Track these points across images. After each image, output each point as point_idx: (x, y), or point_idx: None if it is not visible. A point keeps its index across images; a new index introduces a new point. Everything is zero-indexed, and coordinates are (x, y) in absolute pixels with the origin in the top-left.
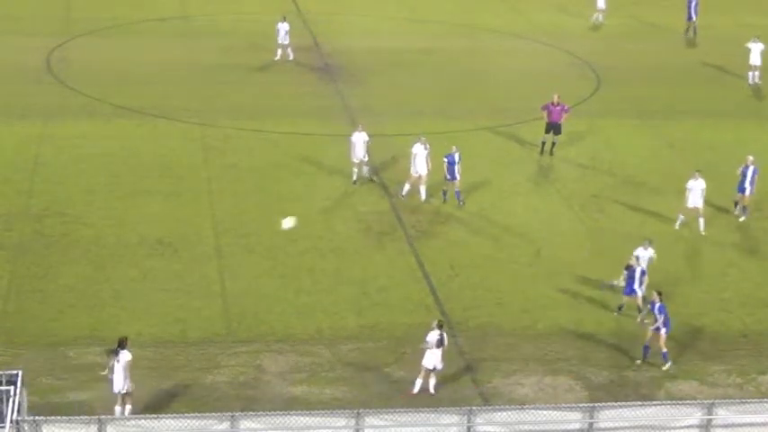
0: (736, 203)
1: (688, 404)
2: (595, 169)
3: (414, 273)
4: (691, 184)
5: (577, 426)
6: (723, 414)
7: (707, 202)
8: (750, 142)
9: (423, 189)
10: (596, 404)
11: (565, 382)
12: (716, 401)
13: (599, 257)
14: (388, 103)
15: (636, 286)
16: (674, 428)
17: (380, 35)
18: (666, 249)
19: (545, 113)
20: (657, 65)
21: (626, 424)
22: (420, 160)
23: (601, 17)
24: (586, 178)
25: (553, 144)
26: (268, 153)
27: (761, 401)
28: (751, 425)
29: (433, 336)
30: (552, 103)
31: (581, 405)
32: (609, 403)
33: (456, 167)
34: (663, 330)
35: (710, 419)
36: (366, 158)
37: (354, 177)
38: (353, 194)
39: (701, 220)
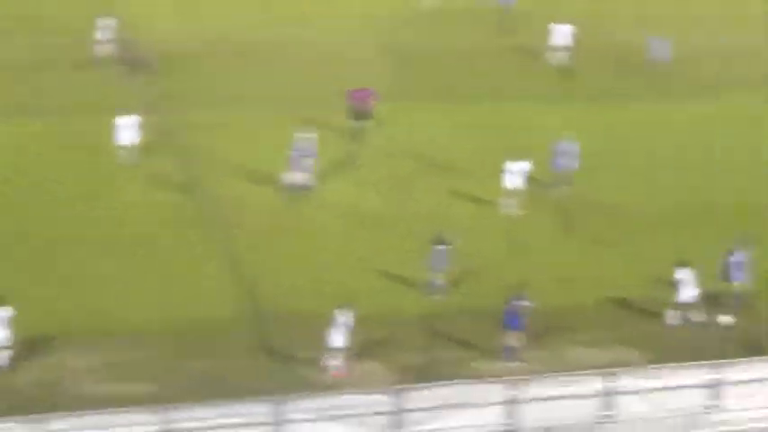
0: (551, 181)
1: (493, 382)
2: (401, 154)
3: (222, 264)
4: (511, 166)
5: (386, 408)
6: (528, 389)
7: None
8: (557, 122)
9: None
10: (403, 386)
11: (373, 367)
12: (520, 378)
13: (407, 241)
14: (206, 94)
15: None
16: (483, 406)
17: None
18: (479, 230)
19: (351, 100)
20: (462, 48)
21: (433, 404)
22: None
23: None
24: (393, 163)
25: (361, 130)
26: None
27: (568, 375)
28: (560, 397)
29: (343, 316)
30: (358, 89)
31: (389, 388)
32: (416, 385)
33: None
34: None
35: (515, 395)
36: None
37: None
38: (136, 180)
39: (517, 201)
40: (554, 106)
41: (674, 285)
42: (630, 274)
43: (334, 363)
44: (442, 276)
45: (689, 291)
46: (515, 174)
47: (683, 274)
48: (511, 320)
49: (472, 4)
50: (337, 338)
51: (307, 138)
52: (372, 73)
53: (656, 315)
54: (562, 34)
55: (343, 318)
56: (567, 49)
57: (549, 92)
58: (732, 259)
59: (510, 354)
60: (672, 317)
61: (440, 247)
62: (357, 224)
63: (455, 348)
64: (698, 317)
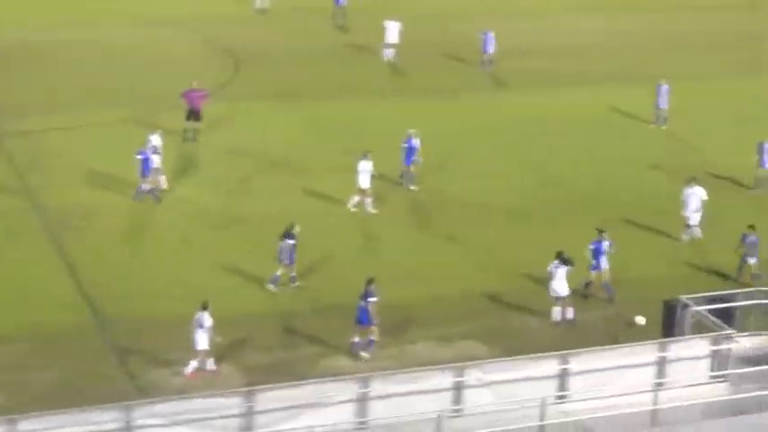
0: (401, 175)
1: (343, 379)
2: (239, 153)
3: (60, 269)
4: (361, 165)
5: (237, 411)
6: (379, 386)
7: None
8: (393, 118)
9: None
10: (254, 387)
11: (223, 368)
12: (371, 374)
13: (247, 241)
14: (27, 98)
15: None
16: (333, 404)
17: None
18: (328, 227)
19: (184, 100)
20: (298, 47)
21: (284, 404)
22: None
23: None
24: (231, 163)
25: (195, 131)
26: None
27: (413, 371)
28: (407, 394)
29: (203, 318)
30: (191, 90)
31: (239, 390)
32: (266, 385)
33: (153, 160)
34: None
35: (366, 392)
36: None
37: None
38: None
39: (369, 200)
40: (390, 102)
41: (551, 277)
42: (479, 267)
43: (194, 364)
44: (291, 270)
45: (562, 284)
46: (363, 171)
47: (554, 267)
48: (362, 316)
49: (306, 3)
50: (200, 340)
51: (152, 140)
52: (209, 73)
53: (506, 309)
54: (395, 31)
55: (204, 319)
56: (398, 45)
57: (385, 88)
58: (593, 247)
59: (361, 349)
60: (557, 313)
61: (288, 241)
62: (203, 225)
63: (306, 346)
64: (571, 313)
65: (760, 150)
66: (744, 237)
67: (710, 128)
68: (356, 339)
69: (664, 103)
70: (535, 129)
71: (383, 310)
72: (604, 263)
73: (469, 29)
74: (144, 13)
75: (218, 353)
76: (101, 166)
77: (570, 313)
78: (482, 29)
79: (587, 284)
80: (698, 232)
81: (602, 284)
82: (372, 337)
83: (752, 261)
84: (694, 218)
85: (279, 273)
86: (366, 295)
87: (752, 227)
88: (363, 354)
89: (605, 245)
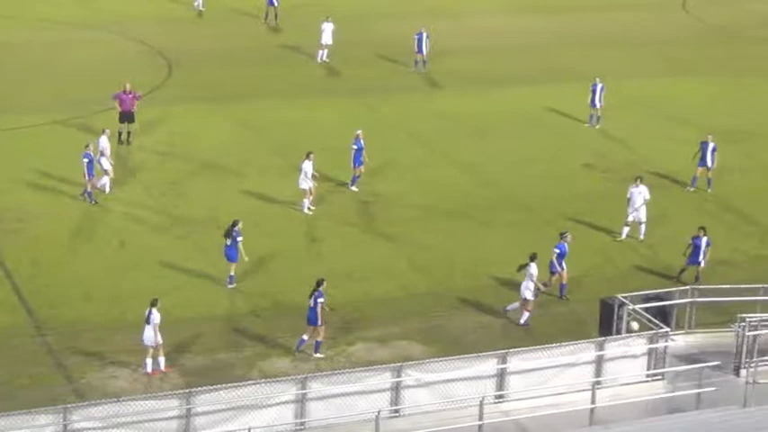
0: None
1: (282, 381)
2: (173, 156)
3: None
4: (305, 165)
5: (175, 413)
6: (316, 387)
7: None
8: (325, 118)
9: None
10: (192, 389)
11: (159, 371)
12: (309, 375)
13: (182, 242)
14: None
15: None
16: (270, 406)
17: None
18: (257, 228)
19: (117, 102)
20: (231, 48)
21: (223, 406)
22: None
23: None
24: (165, 165)
25: (129, 133)
26: None
27: (351, 371)
28: (343, 395)
29: (153, 315)
30: (124, 92)
31: (177, 392)
32: (204, 387)
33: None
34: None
35: (305, 393)
36: None
37: None
38: None
39: (308, 201)
40: (325, 103)
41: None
42: (418, 268)
43: (150, 362)
44: (233, 268)
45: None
46: (306, 172)
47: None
48: (311, 317)
49: (240, 4)
50: (148, 337)
51: (101, 141)
52: (143, 76)
53: (445, 309)
54: (329, 32)
55: (153, 316)
56: (331, 46)
57: (319, 89)
58: (558, 250)
59: (311, 349)
60: (513, 308)
61: (232, 240)
62: (140, 227)
63: (246, 348)
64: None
65: (702, 149)
66: (694, 239)
67: (642, 127)
68: (304, 337)
69: (598, 101)
70: (470, 129)
71: (329, 311)
72: (563, 264)
73: (403, 29)
74: (76, 15)
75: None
76: (35, 169)
77: (525, 317)
78: (416, 29)
79: (545, 285)
80: (642, 230)
81: (561, 285)
82: (319, 339)
83: (701, 263)
84: (639, 216)
85: (233, 272)
86: (315, 296)
87: (703, 228)
88: (316, 354)
89: (567, 246)
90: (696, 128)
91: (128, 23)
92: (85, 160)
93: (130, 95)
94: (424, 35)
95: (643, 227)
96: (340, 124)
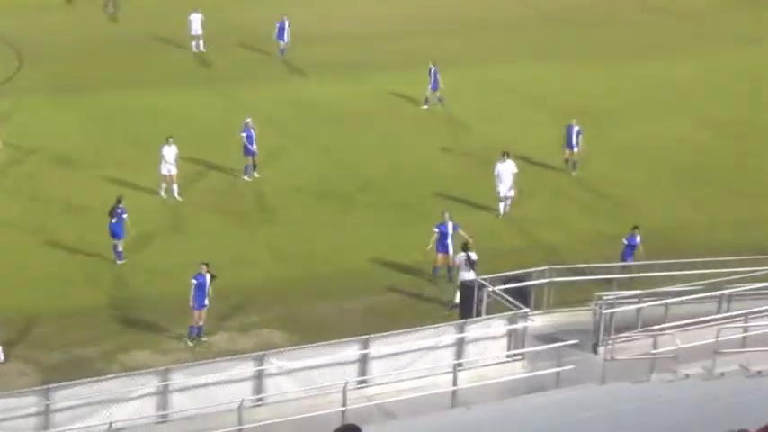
0: (251, 165)
1: (143, 373)
2: (26, 149)
3: None
4: (165, 150)
5: (33, 410)
6: (178, 378)
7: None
8: (179, 107)
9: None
10: (51, 385)
11: (15, 368)
12: (170, 367)
13: (38, 236)
14: None
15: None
16: (133, 399)
17: None
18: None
19: None
20: (80, 38)
21: (83, 401)
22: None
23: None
24: (18, 158)
25: None
26: None
27: (213, 362)
28: (206, 385)
29: None
30: None
31: (35, 388)
32: (64, 383)
33: None
34: None
35: (167, 385)
36: None
37: None
38: None
39: (175, 186)
40: (181, 91)
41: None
42: (278, 256)
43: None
44: (121, 244)
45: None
46: (167, 157)
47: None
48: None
49: None
50: None
51: None
52: None
53: (305, 296)
54: (198, 22)
55: None
56: (201, 36)
57: (189, 78)
58: (440, 230)
59: (196, 334)
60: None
61: (117, 217)
62: None
63: (105, 341)
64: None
65: (567, 132)
66: (628, 237)
67: (497, 110)
68: (192, 325)
69: (435, 84)
70: (326, 115)
71: (178, 302)
72: (450, 246)
73: (266, 16)
74: None
75: (7, 353)
76: None
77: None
78: (277, 17)
79: (435, 270)
80: (508, 205)
81: (450, 266)
82: (200, 323)
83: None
84: (505, 190)
85: (120, 248)
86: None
87: (636, 227)
88: (202, 339)
89: (450, 227)
90: (552, 110)
91: None
92: None
93: None
94: (286, 23)
95: (509, 202)
96: (195, 113)
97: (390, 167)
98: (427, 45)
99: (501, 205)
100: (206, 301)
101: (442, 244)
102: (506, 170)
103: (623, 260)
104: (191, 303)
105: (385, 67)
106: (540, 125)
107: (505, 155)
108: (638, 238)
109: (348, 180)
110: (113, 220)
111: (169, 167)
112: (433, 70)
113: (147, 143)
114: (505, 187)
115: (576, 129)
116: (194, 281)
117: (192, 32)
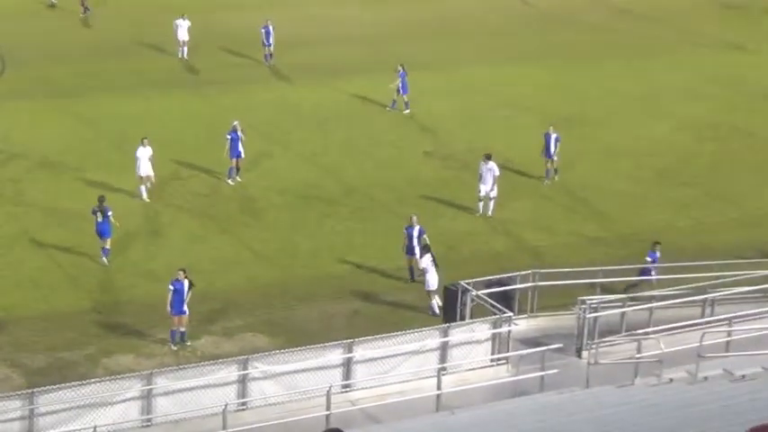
0: (235, 169)
1: (127, 377)
2: (9, 153)
3: None
4: (140, 152)
5: (18, 414)
6: (163, 382)
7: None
8: (160, 111)
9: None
10: (35, 389)
11: (2, 371)
12: (154, 371)
13: (22, 239)
14: None
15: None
16: (117, 403)
17: None
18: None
19: None
20: (63, 43)
21: (67, 405)
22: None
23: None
24: (2, 163)
25: None
26: None
27: (197, 366)
28: (190, 389)
29: None
30: None
31: (19, 392)
32: (47, 387)
33: None
34: None
35: (151, 389)
36: None
37: None
38: None
39: (145, 188)
40: (164, 95)
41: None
42: (261, 259)
43: None
44: (108, 243)
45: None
46: (142, 158)
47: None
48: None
49: None
50: None
51: None
52: None
53: (289, 300)
54: (184, 28)
55: None
56: (187, 42)
57: (173, 82)
58: (407, 233)
59: (181, 339)
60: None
61: (103, 216)
62: None
63: (89, 345)
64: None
65: (545, 140)
66: (650, 254)
67: (480, 113)
68: (173, 329)
69: (403, 89)
70: (308, 119)
71: (162, 306)
72: (417, 248)
73: (251, 21)
74: None
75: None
76: None
77: (435, 307)
78: (262, 22)
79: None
80: (491, 207)
81: (412, 266)
82: (182, 328)
83: (654, 277)
84: (487, 191)
85: (107, 246)
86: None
87: (658, 243)
88: (187, 343)
89: (416, 230)
90: (533, 114)
91: None
92: None
93: None
94: (271, 27)
95: (492, 203)
96: (179, 116)
97: (374, 171)
98: (411, 49)
99: (480, 204)
100: (184, 308)
101: (408, 246)
102: (488, 172)
103: (642, 275)
104: (168, 309)
105: (369, 70)
106: (523, 128)
107: (488, 157)
108: (658, 254)
109: (332, 184)
110: (99, 219)
111: (146, 168)
112: (401, 74)
113: (130, 147)
114: (486, 188)
115: (554, 136)
116: (171, 287)
117: (179, 38)
